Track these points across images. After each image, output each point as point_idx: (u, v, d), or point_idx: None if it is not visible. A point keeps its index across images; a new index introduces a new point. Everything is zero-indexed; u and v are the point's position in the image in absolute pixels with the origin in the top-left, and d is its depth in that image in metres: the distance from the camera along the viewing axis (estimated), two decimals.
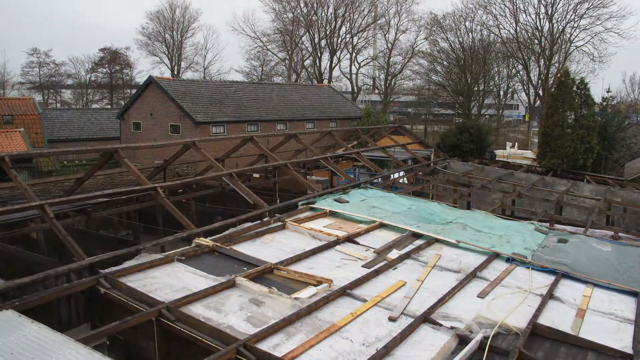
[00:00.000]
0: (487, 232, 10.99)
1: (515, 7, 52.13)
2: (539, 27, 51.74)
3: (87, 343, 5.46)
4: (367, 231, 10.59)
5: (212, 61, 71.81)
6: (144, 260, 8.10)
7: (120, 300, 6.95)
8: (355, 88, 64.17)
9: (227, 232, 9.97)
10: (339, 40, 62.67)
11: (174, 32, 66.85)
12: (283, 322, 6.26)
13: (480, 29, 55.00)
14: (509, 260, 9.14)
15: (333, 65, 63.37)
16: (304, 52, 64.45)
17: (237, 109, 35.53)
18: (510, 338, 6.27)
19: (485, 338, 6.09)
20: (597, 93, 34.59)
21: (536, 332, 6.44)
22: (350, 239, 9.96)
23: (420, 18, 60.66)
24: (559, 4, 49.70)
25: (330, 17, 61.68)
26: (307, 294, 7.15)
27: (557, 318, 6.91)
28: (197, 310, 6.62)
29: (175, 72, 66.03)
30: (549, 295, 7.59)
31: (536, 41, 52.38)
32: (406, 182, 18.77)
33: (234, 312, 6.61)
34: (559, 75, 35.44)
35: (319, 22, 61.96)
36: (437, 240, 10.11)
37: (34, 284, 6.96)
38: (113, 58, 66.78)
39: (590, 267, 8.88)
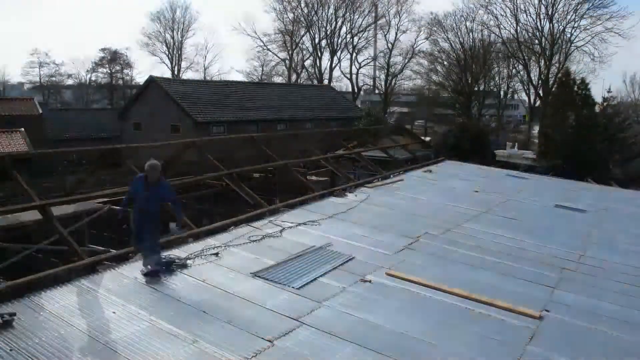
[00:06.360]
0: None
1: (515, 7, 52.12)
2: (540, 27, 51.71)
3: None
4: None
5: (212, 61, 72.50)
6: None
7: None
8: (355, 88, 64.17)
9: None
10: (340, 41, 62.77)
11: (175, 32, 67.03)
12: None
13: (480, 29, 54.99)
14: None
15: (333, 65, 63.46)
16: (304, 52, 64.56)
17: (238, 109, 35.54)
18: None
19: None
20: (597, 93, 34.70)
21: None
22: None
23: (421, 18, 60.79)
24: (559, 4, 49.69)
25: (330, 17, 61.78)
26: None
27: None
28: None
29: (176, 72, 66.13)
30: None
31: (536, 41, 52.32)
32: None
33: None
34: (560, 75, 35.48)
35: (320, 22, 62.05)
36: None
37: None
38: (113, 58, 66.87)
39: None
